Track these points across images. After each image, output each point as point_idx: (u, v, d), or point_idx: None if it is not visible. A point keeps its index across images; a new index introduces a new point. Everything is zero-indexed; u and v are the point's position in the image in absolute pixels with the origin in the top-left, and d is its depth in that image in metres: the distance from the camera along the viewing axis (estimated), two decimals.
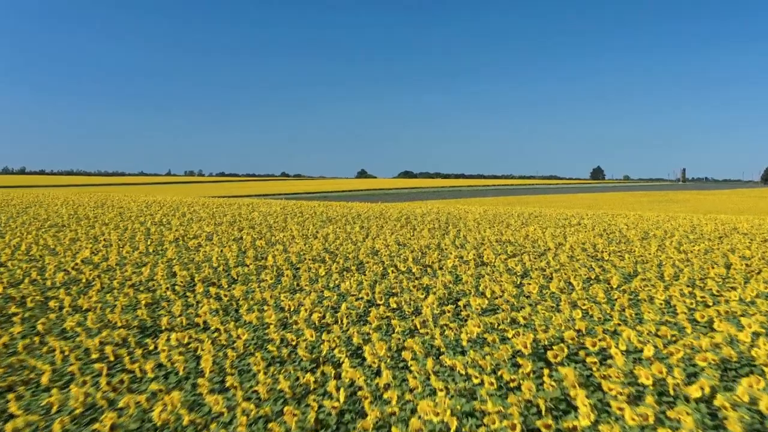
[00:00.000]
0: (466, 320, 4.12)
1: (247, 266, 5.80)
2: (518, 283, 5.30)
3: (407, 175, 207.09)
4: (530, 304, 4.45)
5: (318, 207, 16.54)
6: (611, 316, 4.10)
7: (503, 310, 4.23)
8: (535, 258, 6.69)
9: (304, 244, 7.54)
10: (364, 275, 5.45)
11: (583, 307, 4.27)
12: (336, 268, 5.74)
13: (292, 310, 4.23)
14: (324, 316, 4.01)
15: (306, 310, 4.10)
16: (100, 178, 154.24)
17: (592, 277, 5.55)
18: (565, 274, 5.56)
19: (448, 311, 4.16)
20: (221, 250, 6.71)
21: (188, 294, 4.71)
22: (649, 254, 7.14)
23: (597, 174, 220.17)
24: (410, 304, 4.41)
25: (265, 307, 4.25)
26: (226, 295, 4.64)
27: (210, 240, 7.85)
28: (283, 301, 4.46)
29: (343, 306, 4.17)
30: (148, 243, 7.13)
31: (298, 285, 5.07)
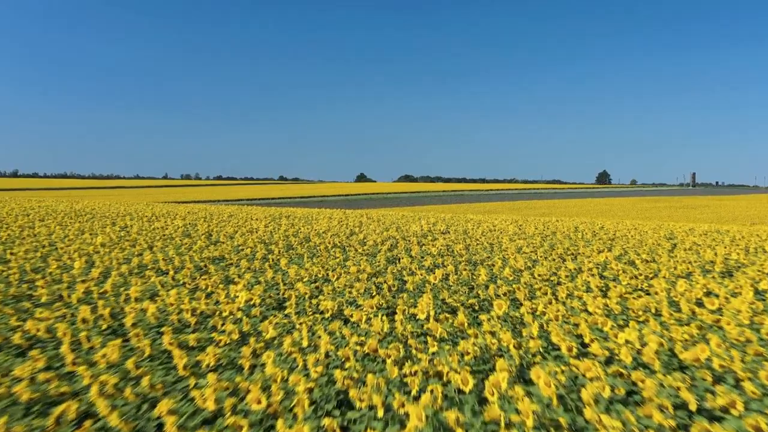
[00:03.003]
0: None
1: None
2: None
3: (407, 179, 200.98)
4: None
5: (253, 220, 10.73)
6: None
7: None
8: None
9: None
10: None
11: None
12: None
13: None
14: None
15: None
16: (94, 181, 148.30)
17: None
18: None
19: None
20: None
21: None
22: None
23: (603, 178, 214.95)
24: None
25: None
26: None
27: None
28: None
29: None
30: None
31: None
